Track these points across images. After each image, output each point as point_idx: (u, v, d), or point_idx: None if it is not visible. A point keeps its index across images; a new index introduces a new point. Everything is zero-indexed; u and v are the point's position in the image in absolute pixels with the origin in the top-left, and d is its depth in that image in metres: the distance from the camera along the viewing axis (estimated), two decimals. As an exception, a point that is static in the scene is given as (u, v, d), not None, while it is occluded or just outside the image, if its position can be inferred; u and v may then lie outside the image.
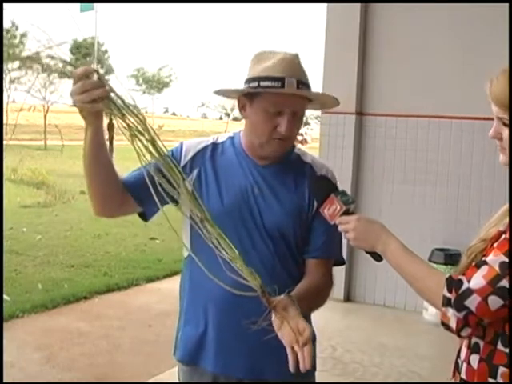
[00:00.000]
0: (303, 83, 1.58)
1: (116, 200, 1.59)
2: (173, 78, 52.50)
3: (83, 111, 1.40)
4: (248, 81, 1.60)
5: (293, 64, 1.58)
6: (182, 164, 1.68)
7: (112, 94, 1.36)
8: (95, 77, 1.36)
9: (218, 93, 1.68)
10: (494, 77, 1.39)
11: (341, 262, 1.77)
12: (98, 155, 1.50)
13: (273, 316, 1.36)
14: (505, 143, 1.38)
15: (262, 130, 1.60)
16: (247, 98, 1.61)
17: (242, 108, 1.64)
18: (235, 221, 1.63)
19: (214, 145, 1.72)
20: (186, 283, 1.72)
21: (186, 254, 1.72)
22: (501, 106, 1.35)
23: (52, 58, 1.35)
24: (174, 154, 1.69)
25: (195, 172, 1.68)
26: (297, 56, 1.61)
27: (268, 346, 1.44)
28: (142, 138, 1.33)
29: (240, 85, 1.66)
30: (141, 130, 1.33)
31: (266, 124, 1.58)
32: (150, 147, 1.33)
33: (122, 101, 1.35)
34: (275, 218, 1.64)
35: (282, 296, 1.41)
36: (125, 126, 1.34)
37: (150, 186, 1.33)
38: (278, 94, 1.56)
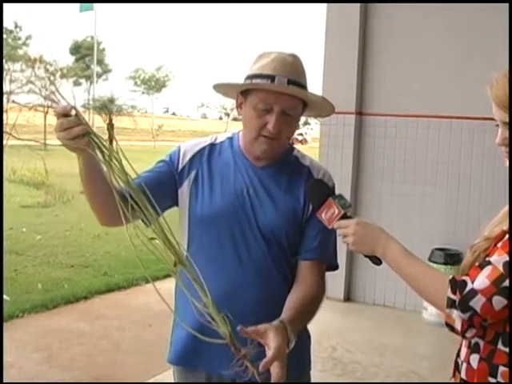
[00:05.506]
0: (295, 82, 1.57)
1: (116, 213, 1.51)
2: (170, 77, 52.45)
3: (67, 146, 1.40)
4: (244, 79, 1.64)
5: (285, 63, 1.58)
6: (181, 167, 1.68)
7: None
8: (73, 114, 1.35)
9: (217, 88, 1.69)
10: (494, 80, 1.36)
11: (334, 267, 1.73)
12: (93, 180, 1.52)
13: (245, 362, 1.31)
14: None
15: (251, 126, 1.62)
16: (243, 95, 1.63)
17: (239, 106, 1.67)
18: (230, 222, 1.63)
19: (212, 145, 1.73)
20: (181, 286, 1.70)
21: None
22: (507, 110, 1.32)
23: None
24: (172, 158, 1.70)
25: (193, 174, 1.68)
26: (292, 55, 1.61)
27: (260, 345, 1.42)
28: (118, 178, 1.33)
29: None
30: (118, 171, 1.32)
31: (255, 121, 1.60)
32: (123, 185, 1.34)
33: (98, 138, 1.34)
34: (269, 219, 1.63)
35: (274, 322, 1.39)
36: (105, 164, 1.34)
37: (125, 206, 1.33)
38: (267, 90, 1.57)
